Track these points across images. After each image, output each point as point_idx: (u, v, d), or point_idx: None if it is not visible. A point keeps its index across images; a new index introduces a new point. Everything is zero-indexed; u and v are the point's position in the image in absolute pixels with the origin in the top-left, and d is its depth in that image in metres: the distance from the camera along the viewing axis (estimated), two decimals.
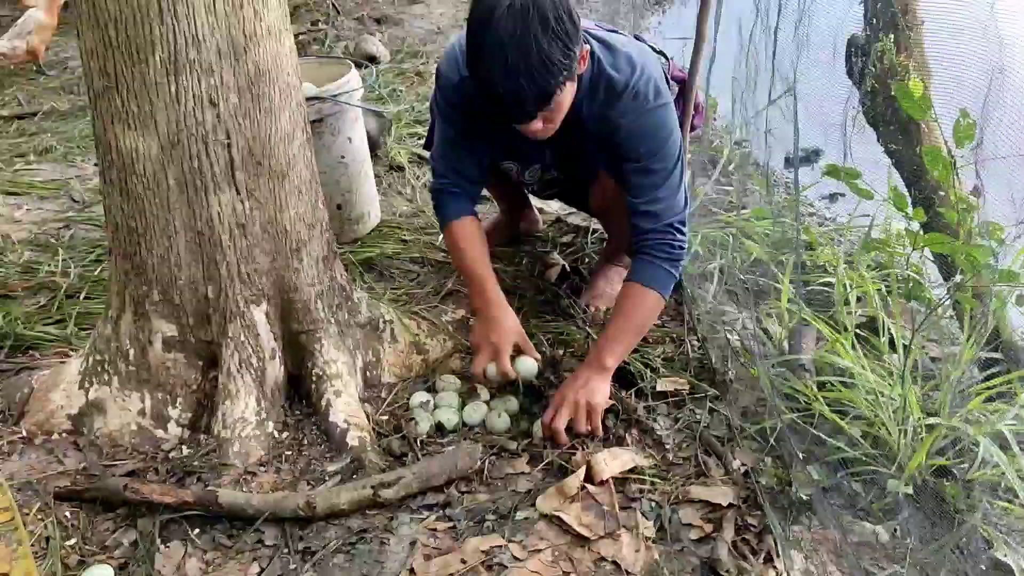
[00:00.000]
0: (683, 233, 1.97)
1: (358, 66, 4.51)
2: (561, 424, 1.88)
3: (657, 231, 1.94)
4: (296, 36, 5.08)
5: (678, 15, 5.39)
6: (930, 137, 1.71)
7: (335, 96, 2.47)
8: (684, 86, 2.24)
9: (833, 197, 3.19)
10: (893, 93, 1.45)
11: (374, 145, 3.14)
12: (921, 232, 1.78)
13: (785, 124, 2.38)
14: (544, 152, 2.16)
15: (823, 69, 1.71)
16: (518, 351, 2.03)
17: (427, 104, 3.94)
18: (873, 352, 2.04)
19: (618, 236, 2.40)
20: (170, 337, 1.90)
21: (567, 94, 1.75)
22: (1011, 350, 1.86)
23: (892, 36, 1.52)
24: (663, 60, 2.29)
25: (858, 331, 2.12)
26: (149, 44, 1.62)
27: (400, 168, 3.24)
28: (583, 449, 1.88)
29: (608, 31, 2.06)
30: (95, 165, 3.61)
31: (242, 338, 1.88)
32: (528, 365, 2.01)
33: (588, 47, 1.83)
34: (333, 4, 5.36)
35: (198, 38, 1.65)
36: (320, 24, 5.20)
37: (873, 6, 1.57)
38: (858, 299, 2.26)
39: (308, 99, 2.41)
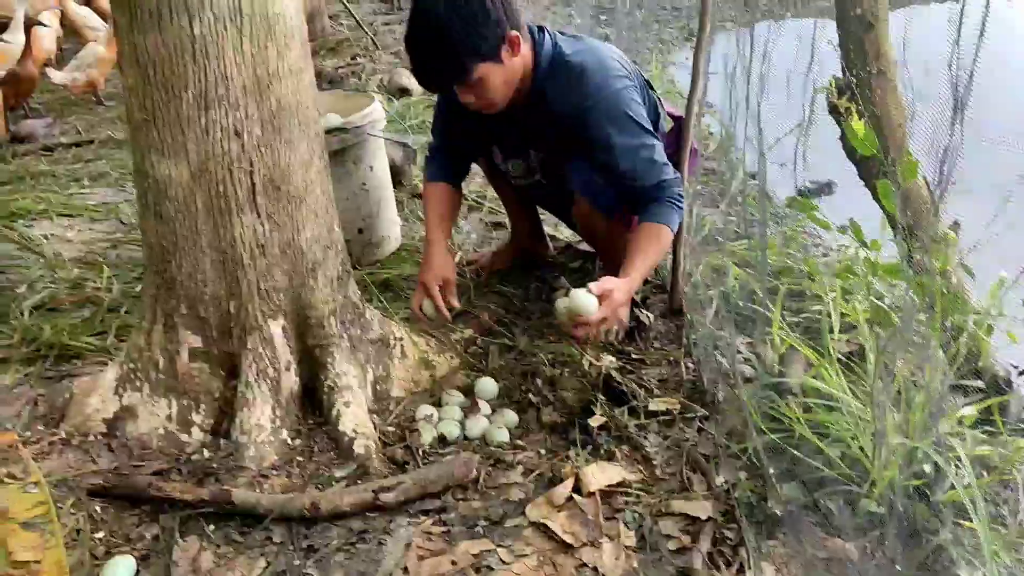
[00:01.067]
0: (680, 187, 2.19)
1: (389, 98, 4.74)
2: (603, 330, 2.19)
3: (659, 186, 2.16)
4: (336, 69, 5.35)
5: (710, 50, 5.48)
6: None
7: (357, 127, 2.65)
8: (679, 123, 2.36)
9: (843, 229, 3.26)
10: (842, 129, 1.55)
11: (398, 173, 3.31)
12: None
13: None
14: (528, 151, 2.36)
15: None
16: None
17: None
18: (860, 379, 2.12)
19: (606, 257, 2.54)
20: (196, 348, 2.06)
21: (490, 75, 2.00)
22: (991, 377, 1.93)
23: (847, 77, 1.63)
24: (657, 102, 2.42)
25: (850, 358, 2.20)
26: (183, 82, 1.81)
27: (421, 196, 3.40)
28: (572, 463, 1.99)
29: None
30: None
31: (260, 350, 2.04)
32: (486, 386, 2.27)
33: (526, 35, 2.09)
34: (372, 40, 5.60)
35: (226, 76, 1.83)
36: (359, 58, 5.44)
37: (848, 50, 1.68)
38: (854, 327, 2.34)
39: (331, 130, 2.59)
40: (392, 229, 2.94)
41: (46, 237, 3.28)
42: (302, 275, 2.07)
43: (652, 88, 2.44)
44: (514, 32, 2.01)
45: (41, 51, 5.28)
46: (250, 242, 1.97)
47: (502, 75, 2.03)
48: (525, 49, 2.10)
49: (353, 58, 5.47)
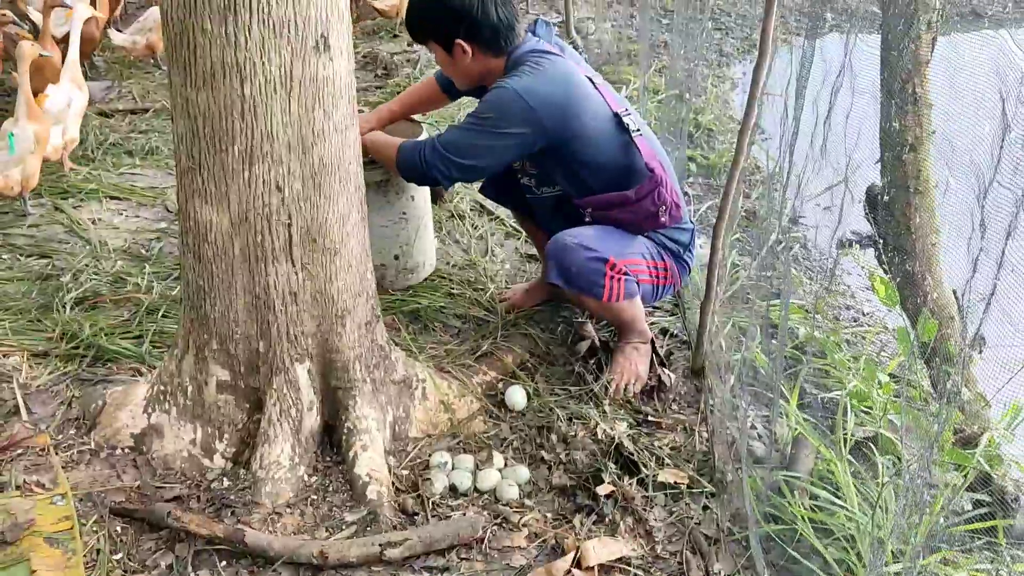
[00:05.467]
0: (434, 157, 2.38)
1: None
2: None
3: (432, 145, 2.38)
4: (391, 56, 5.32)
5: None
6: (938, 289, 1.79)
7: None
8: (653, 177, 2.36)
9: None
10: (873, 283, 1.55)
11: (440, 192, 3.32)
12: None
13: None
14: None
15: None
16: None
17: None
18: (870, 471, 2.12)
19: (609, 320, 2.61)
20: (223, 381, 2.14)
21: (438, 54, 2.42)
22: (1000, 495, 1.92)
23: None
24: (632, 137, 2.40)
25: (863, 446, 2.19)
26: (230, 137, 1.85)
27: (461, 216, 3.43)
28: (576, 534, 2.03)
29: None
30: None
31: (285, 391, 2.11)
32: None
33: (470, 46, 2.35)
34: None
35: (272, 134, 1.87)
36: (416, 45, 5.41)
37: (890, 169, 1.66)
38: (868, 411, 2.33)
39: (373, 160, 2.61)
40: (428, 255, 2.97)
41: (94, 222, 3.37)
42: (331, 321, 2.12)
43: (629, 132, 2.36)
44: (461, 42, 2.33)
45: (107, 12, 5.33)
46: (283, 289, 2.03)
47: (449, 63, 2.43)
48: (483, 58, 2.37)
49: (410, 44, 5.45)
